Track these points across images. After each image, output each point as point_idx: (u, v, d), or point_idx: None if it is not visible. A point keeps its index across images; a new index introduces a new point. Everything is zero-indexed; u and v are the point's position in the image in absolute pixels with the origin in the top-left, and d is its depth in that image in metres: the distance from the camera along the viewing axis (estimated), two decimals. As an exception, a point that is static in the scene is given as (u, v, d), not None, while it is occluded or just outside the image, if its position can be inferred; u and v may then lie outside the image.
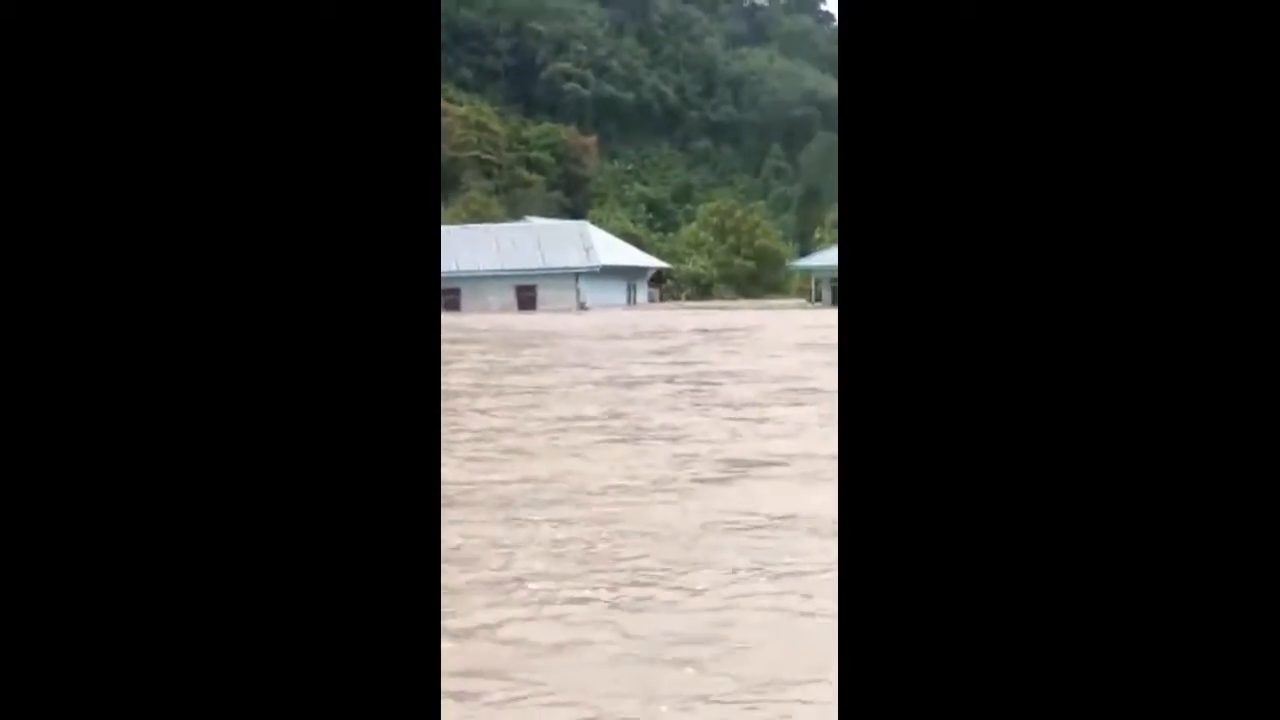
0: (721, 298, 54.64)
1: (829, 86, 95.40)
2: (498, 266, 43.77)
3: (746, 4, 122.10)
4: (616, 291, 45.60)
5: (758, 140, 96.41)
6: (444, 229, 49.79)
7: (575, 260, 45.24)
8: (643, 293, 48.00)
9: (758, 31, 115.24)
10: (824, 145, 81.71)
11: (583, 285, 44.36)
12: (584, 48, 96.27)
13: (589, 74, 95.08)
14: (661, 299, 51.11)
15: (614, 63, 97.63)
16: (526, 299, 43.14)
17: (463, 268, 42.76)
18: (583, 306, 42.30)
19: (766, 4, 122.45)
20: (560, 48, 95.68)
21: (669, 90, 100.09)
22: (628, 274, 47.50)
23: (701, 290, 57.26)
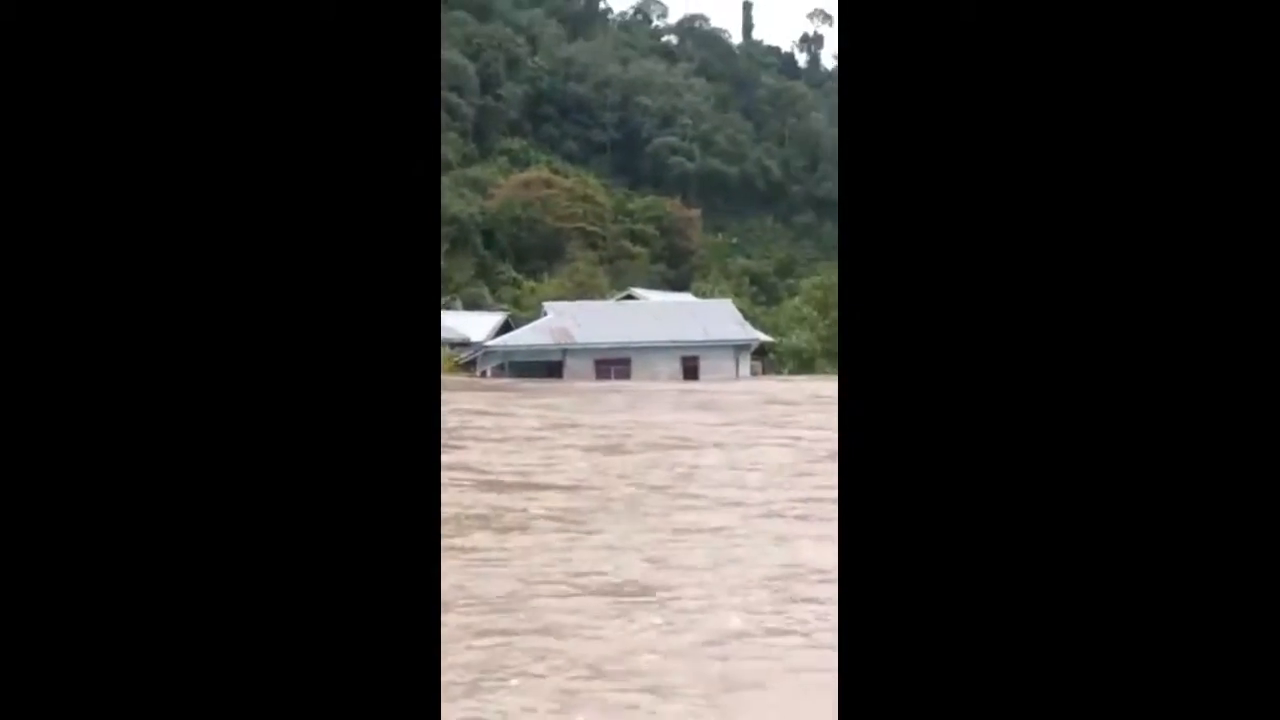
0: (823, 372, 54.20)
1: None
2: (665, 338, 45.98)
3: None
4: (727, 363, 46.47)
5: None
6: (611, 304, 52.02)
7: (735, 334, 48.06)
8: (745, 365, 48.06)
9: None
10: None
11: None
12: (689, 122, 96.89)
13: (694, 148, 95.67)
14: (764, 372, 50.80)
15: (719, 137, 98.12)
16: (690, 368, 45.46)
17: (633, 338, 45.20)
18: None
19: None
20: (666, 122, 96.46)
21: (773, 165, 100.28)
22: (735, 347, 48.08)
23: (803, 364, 56.76)
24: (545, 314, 47.78)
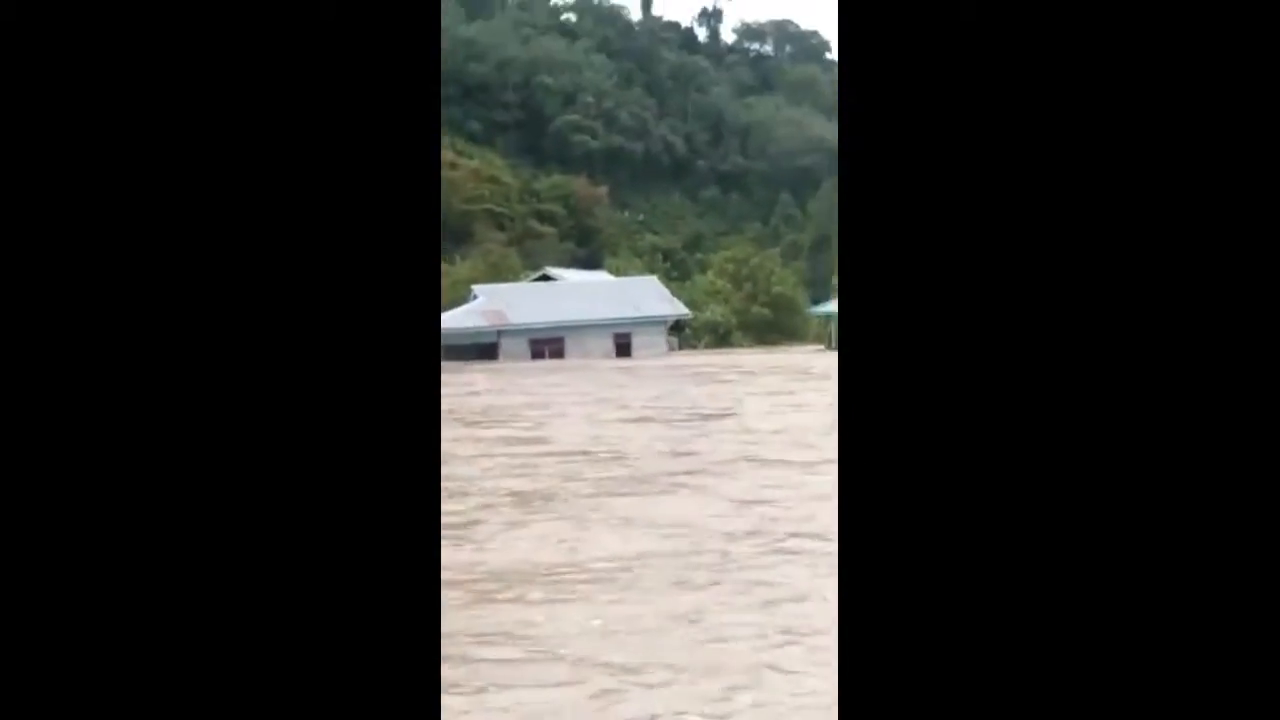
0: (739, 345, 55.13)
1: (835, 134, 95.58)
2: (596, 317, 47.10)
3: (753, 54, 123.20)
4: (657, 339, 47.69)
5: (766, 188, 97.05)
6: (541, 285, 52.29)
7: (665, 310, 49.29)
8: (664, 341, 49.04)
9: (764, 81, 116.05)
10: (832, 192, 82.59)
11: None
12: (592, 99, 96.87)
13: (598, 125, 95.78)
14: (680, 347, 51.68)
15: (622, 114, 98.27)
16: (623, 346, 46.70)
17: (564, 318, 46.14)
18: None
19: (773, 54, 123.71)
20: (569, 100, 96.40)
21: (677, 140, 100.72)
22: (662, 323, 49.22)
23: (719, 338, 57.67)
24: (475, 297, 48.25)
